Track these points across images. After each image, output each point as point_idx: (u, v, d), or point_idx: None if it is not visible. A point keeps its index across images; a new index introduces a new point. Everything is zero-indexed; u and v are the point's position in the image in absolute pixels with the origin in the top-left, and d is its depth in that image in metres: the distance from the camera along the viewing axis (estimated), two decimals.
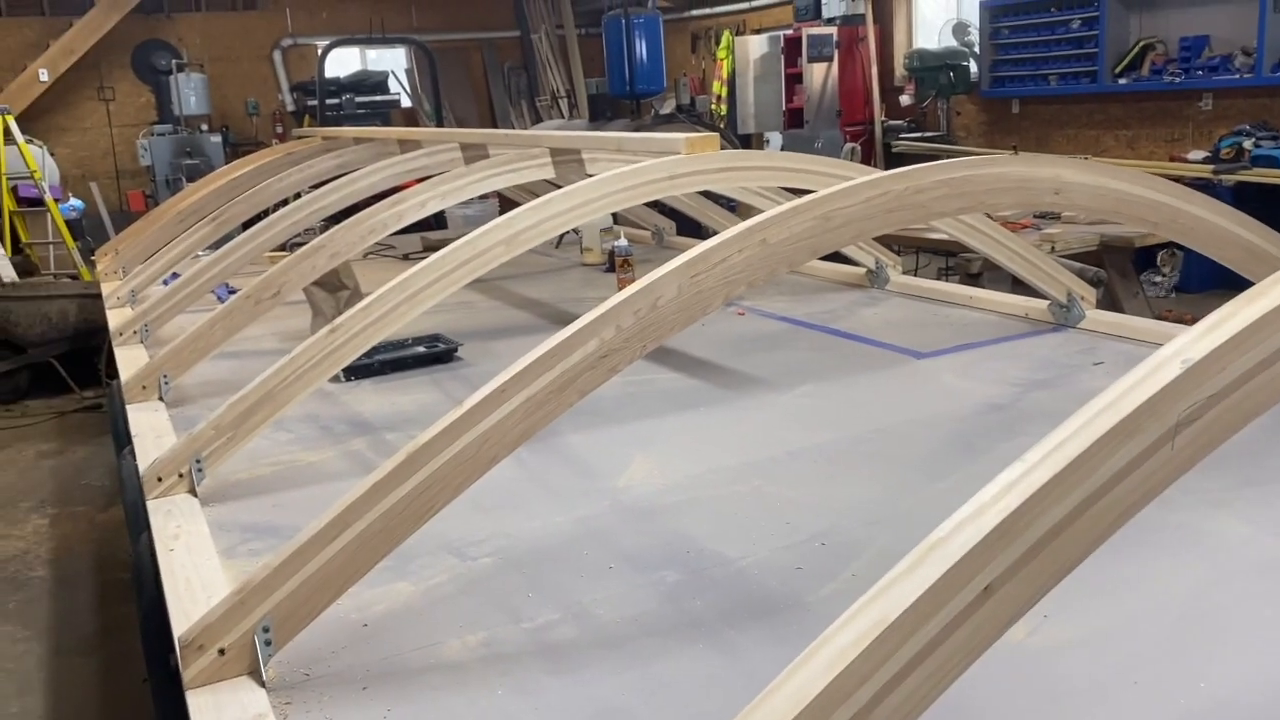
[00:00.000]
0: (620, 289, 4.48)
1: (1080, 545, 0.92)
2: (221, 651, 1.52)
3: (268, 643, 1.54)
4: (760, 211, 4.51)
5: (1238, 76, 8.30)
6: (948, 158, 9.77)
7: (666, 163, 2.66)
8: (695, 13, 14.09)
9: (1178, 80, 8.67)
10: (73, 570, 4.35)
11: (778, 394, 2.90)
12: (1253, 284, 2.36)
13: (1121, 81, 9.08)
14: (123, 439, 3.75)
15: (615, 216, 5.23)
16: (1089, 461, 0.92)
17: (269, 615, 1.53)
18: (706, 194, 4.71)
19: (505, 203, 7.28)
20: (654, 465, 2.41)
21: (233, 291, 4.87)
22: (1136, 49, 8.99)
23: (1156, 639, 1.58)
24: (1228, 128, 8.43)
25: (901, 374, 3.03)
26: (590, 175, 3.64)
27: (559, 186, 5.58)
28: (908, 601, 0.87)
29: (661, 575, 1.86)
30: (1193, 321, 3.73)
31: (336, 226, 3.31)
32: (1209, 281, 8.05)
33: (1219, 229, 2.24)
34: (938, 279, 6.45)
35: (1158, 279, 8.04)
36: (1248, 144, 7.95)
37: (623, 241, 4.35)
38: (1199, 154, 8.30)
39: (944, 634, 0.88)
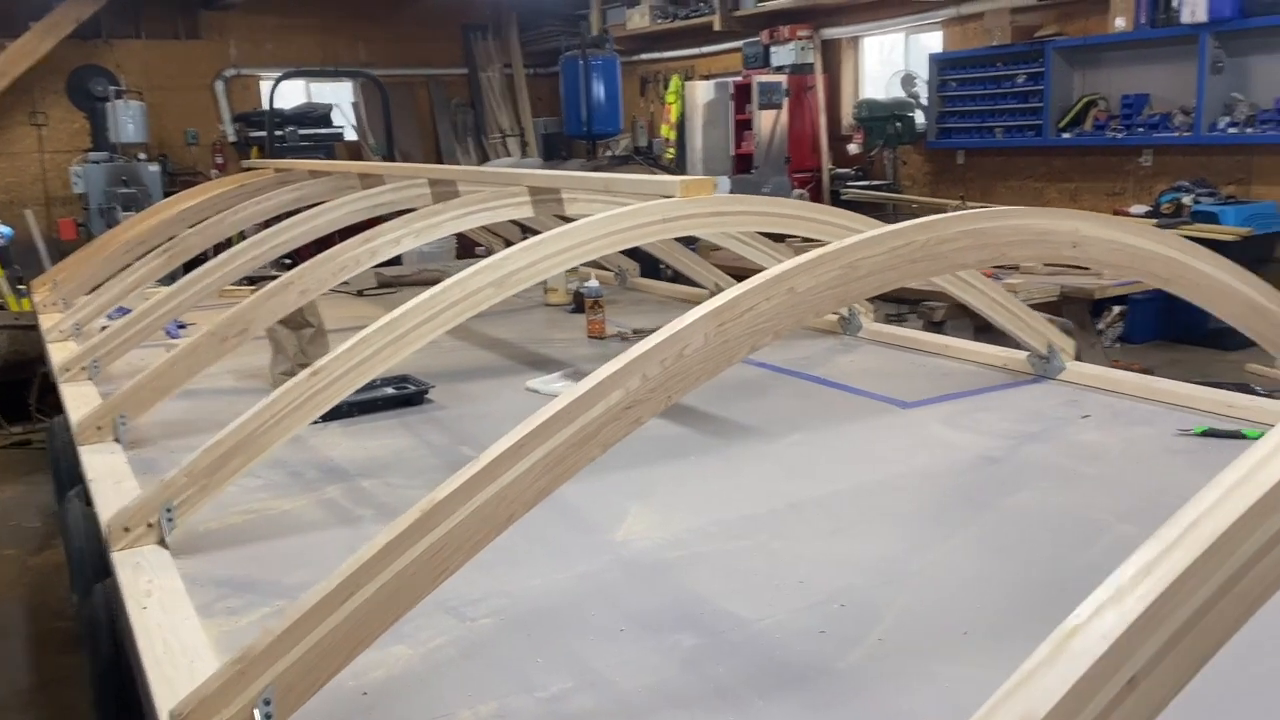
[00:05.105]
0: (591, 331, 4.41)
1: (1222, 630, 0.86)
2: None
3: (268, 716, 1.41)
4: (727, 252, 4.45)
5: (1177, 134, 8.54)
6: (895, 206, 9.88)
7: (661, 205, 2.60)
8: (644, 56, 14.16)
9: (1119, 136, 8.90)
10: (4, 618, 4.10)
11: (768, 443, 2.83)
12: (1248, 340, 2.36)
13: (1065, 136, 9.29)
14: (66, 481, 3.55)
15: None
16: (1231, 540, 0.85)
17: (271, 686, 1.41)
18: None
19: (463, 240, 7.18)
20: (652, 517, 2.32)
21: (182, 327, 4.69)
22: (1080, 105, 9.22)
23: None
24: (1167, 183, 8.66)
25: (890, 424, 2.98)
26: (567, 215, 3.57)
27: (524, 228, 5.49)
28: (1054, 698, 0.79)
29: (677, 639, 1.77)
30: (1141, 371, 3.65)
31: (306, 263, 3.18)
32: (1151, 333, 8.25)
33: (1222, 284, 2.24)
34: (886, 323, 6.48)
35: (1101, 329, 8.19)
36: (1187, 199, 8.16)
37: (593, 283, 4.28)
38: (1141, 208, 8.50)
39: None
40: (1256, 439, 2.66)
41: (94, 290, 4.86)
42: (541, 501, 1.60)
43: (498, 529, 1.55)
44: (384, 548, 1.47)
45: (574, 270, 5.07)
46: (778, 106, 11.08)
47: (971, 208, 9.95)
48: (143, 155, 12.60)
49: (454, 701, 1.60)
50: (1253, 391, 4.19)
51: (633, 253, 5.47)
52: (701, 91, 11.92)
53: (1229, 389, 3.37)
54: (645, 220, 2.58)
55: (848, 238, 1.84)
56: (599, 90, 8.41)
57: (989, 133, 9.96)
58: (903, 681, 1.62)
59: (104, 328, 4.21)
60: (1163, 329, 8.30)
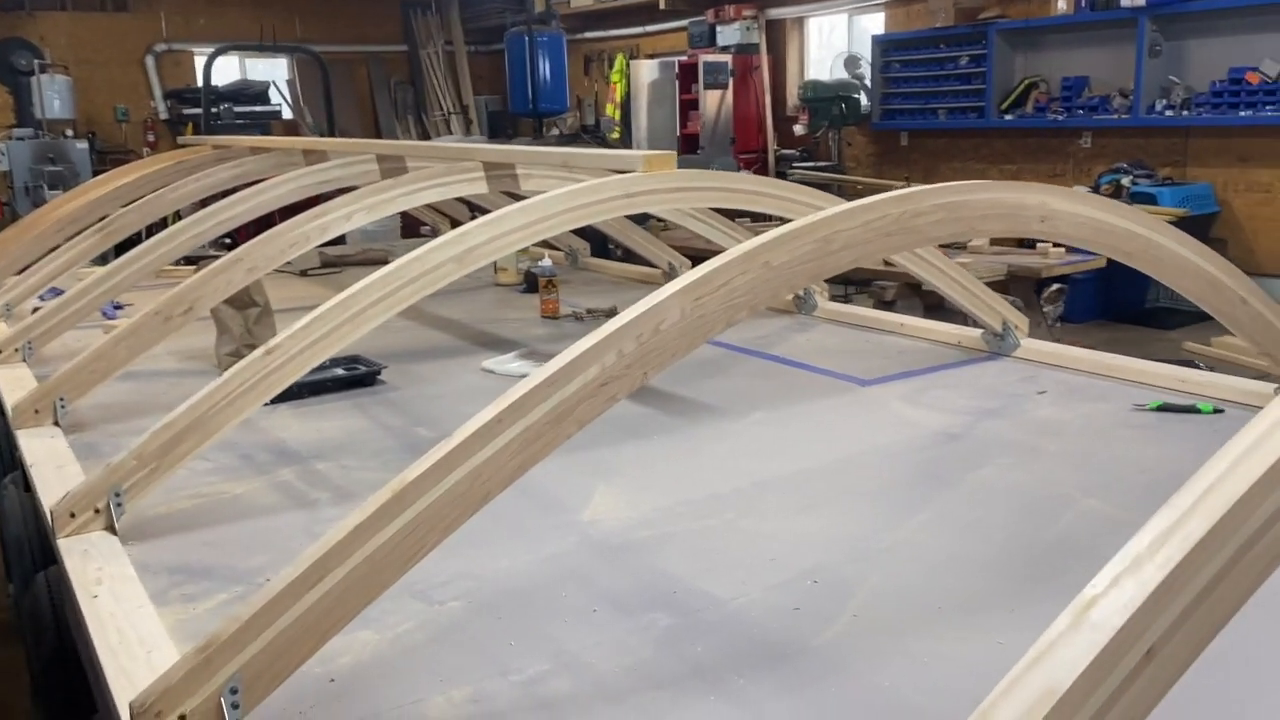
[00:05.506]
0: (544, 311, 4.35)
1: (1234, 598, 0.85)
2: (182, 718, 1.33)
3: (235, 705, 1.36)
4: (679, 231, 4.41)
5: (1115, 117, 8.69)
6: (840, 187, 9.90)
7: (623, 180, 2.56)
8: (588, 34, 14.04)
9: (1060, 118, 9.02)
10: None
11: (730, 422, 2.81)
12: (1207, 316, 2.39)
13: (1007, 118, 9.40)
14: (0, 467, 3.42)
15: None
16: (1244, 507, 0.84)
17: (238, 674, 1.35)
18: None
19: (407, 220, 7.05)
20: (618, 497, 2.28)
21: (119, 308, 4.54)
22: (1021, 87, 9.33)
23: None
24: (1106, 165, 8.81)
25: (850, 401, 2.98)
26: (521, 193, 3.50)
27: (473, 207, 5.40)
28: (1076, 670, 0.78)
29: (652, 618, 1.74)
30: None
31: (254, 239, 3.08)
32: (1090, 312, 8.40)
33: (1185, 261, 2.26)
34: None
35: (1045, 309, 8.32)
36: (1126, 181, 8.32)
37: (546, 262, 4.23)
38: (1081, 189, 8.63)
39: (1109, 704, 0.79)
40: (1209, 413, 2.69)
41: (23, 271, 4.68)
42: (516, 480, 1.56)
43: (472, 509, 1.50)
44: (353, 530, 1.42)
45: (525, 250, 5.01)
46: (723, 87, 11.07)
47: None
48: (70, 132, 12.22)
49: (426, 687, 1.55)
50: (1196, 367, 4.27)
51: (582, 232, 5.41)
52: (646, 71, 11.87)
53: (1174, 366, 3.43)
54: (608, 196, 2.53)
55: (816, 213, 1.82)
56: (545, 68, 8.31)
57: (932, 114, 10.04)
58: (879, 658, 1.61)
59: (36, 309, 4.06)
60: (1102, 308, 8.46)
